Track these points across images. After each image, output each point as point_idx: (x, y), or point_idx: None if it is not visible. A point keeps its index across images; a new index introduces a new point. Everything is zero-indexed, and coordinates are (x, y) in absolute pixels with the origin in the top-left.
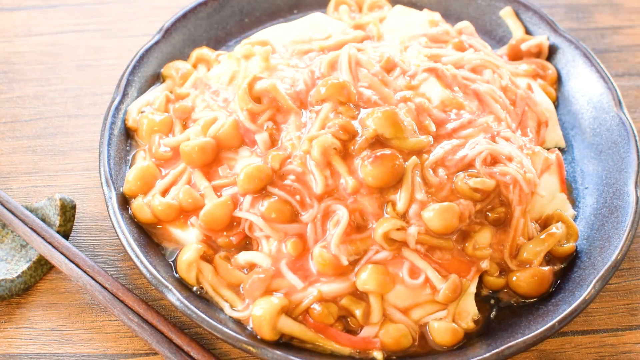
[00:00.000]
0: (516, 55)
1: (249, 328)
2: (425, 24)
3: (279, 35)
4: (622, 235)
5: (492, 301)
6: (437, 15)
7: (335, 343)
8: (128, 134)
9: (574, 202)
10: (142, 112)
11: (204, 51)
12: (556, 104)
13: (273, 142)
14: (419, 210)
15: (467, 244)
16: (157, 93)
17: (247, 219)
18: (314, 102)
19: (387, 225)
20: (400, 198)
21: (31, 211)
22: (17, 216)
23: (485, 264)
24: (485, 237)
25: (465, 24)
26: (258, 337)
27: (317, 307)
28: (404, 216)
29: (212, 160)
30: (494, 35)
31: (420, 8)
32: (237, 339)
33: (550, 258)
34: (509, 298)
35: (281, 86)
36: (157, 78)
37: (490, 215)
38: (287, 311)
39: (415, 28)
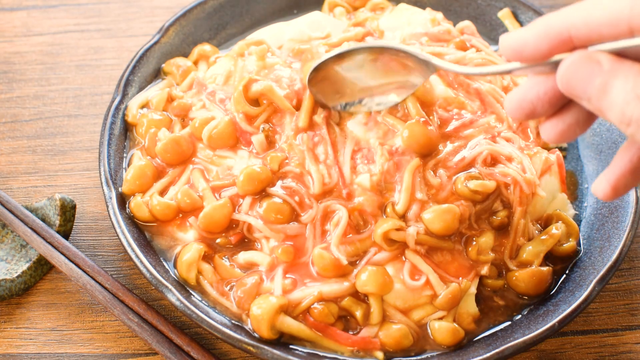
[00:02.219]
0: None
1: (247, 328)
2: (427, 22)
3: (277, 34)
4: (622, 235)
5: (493, 301)
6: (439, 15)
7: (335, 342)
8: (127, 135)
9: (576, 201)
10: (141, 110)
11: (206, 48)
12: None
13: (270, 143)
14: (418, 212)
15: (470, 249)
16: (157, 90)
17: (245, 221)
18: None
19: (386, 225)
20: (400, 199)
21: (31, 211)
22: (17, 216)
23: (484, 271)
24: (489, 241)
25: (466, 24)
26: (256, 335)
27: (317, 306)
28: (403, 217)
29: (183, 159)
30: (494, 36)
31: (422, 7)
32: (237, 339)
33: (550, 257)
34: (509, 298)
35: (277, 87)
36: (157, 74)
37: (493, 221)
38: (286, 310)
39: (417, 27)
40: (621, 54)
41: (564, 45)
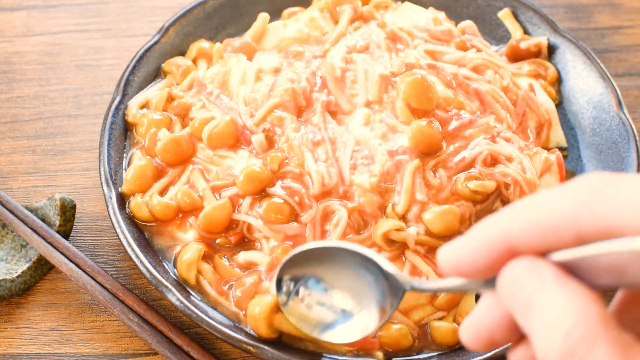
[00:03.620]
0: (516, 55)
1: (247, 328)
2: (429, 22)
3: (273, 34)
4: None
5: None
6: (441, 14)
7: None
8: (127, 135)
9: None
10: (141, 110)
11: (204, 44)
12: (556, 103)
13: (270, 143)
14: (419, 212)
15: None
16: (157, 90)
17: (245, 221)
18: None
19: (386, 225)
20: (400, 200)
21: (31, 211)
22: (17, 216)
23: None
24: None
25: (468, 24)
26: (255, 334)
27: None
28: (404, 218)
29: (183, 159)
30: (494, 35)
31: (425, 7)
32: (237, 339)
33: None
34: None
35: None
36: (157, 74)
37: None
38: None
39: (419, 24)
40: (569, 266)
41: (505, 257)
